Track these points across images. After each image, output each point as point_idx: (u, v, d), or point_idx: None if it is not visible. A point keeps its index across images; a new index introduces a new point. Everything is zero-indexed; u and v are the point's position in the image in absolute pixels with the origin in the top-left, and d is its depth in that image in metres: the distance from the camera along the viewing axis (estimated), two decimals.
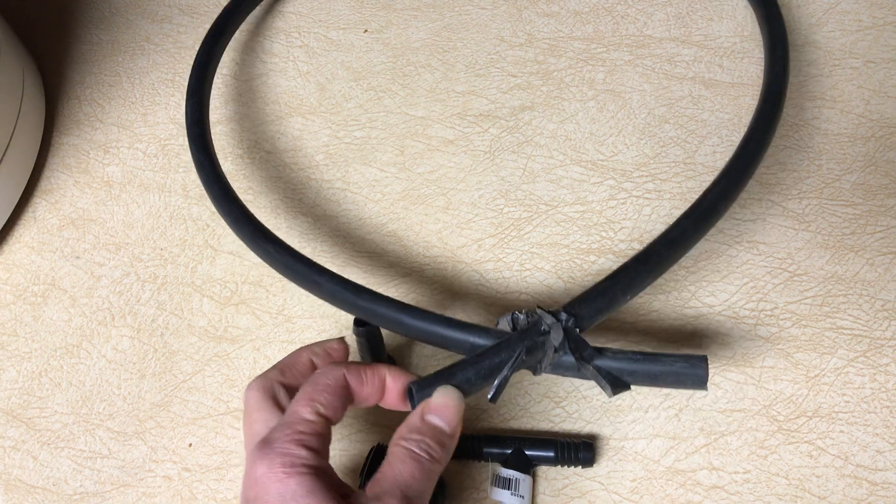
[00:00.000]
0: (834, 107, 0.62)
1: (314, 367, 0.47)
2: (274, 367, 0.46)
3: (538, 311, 0.47)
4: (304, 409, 0.41)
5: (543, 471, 0.50)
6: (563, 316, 0.47)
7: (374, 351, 0.52)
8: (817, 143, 0.61)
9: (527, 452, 0.50)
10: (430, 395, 0.44)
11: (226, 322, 0.60)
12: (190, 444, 0.55)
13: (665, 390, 0.52)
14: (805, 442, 0.49)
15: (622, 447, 0.50)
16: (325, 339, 0.56)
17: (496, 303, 0.57)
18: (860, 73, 0.63)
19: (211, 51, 0.70)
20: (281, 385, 0.44)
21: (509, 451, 0.50)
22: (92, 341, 0.61)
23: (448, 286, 0.59)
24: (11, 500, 0.54)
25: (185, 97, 0.73)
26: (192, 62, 0.68)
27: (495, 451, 0.50)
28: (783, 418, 0.50)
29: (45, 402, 0.58)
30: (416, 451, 0.40)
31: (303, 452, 0.39)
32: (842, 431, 0.49)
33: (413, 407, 0.44)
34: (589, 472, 0.50)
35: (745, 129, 0.61)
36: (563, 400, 0.52)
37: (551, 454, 0.49)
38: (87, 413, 0.57)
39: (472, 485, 0.50)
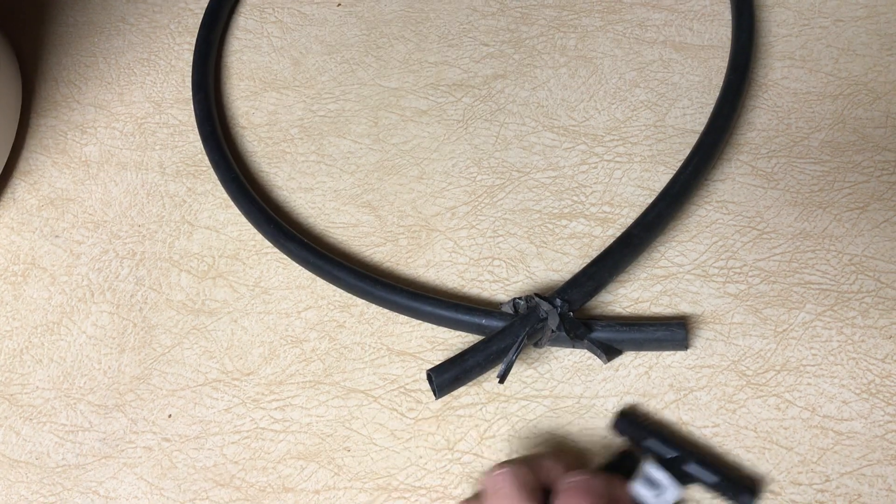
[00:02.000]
0: (803, 66, 0.62)
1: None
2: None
3: (536, 298, 0.51)
4: None
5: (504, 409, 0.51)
6: (558, 302, 0.51)
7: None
8: (786, 103, 0.61)
9: (689, 466, 0.46)
10: (447, 380, 0.49)
11: (203, 295, 0.60)
12: (170, 415, 0.56)
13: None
14: (773, 395, 0.50)
15: (593, 405, 0.51)
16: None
17: (470, 269, 0.58)
18: (829, 33, 0.63)
19: (208, 38, 0.71)
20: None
21: (669, 455, 0.47)
22: (72, 318, 0.61)
23: (422, 254, 0.59)
24: None
25: (161, 77, 0.73)
26: (167, 41, 0.68)
27: (656, 449, 0.47)
28: (752, 373, 0.50)
29: (26, 378, 0.59)
30: None
31: None
32: (809, 384, 0.50)
33: (432, 388, 0.49)
34: (561, 429, 0.51)
35: (716, 91, 0.62)
36: (535, 361, 0.53)
37: (713, 479, 0.46)
38: (69, 388, 0.58)
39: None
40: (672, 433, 0.49)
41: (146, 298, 0.61)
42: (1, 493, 0.54)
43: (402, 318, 0.57)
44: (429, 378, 0.50)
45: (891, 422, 0.47)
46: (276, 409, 0.55)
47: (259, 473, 0.52)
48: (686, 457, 0.47)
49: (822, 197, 0.56)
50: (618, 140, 0.62)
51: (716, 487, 0.46)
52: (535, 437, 0.50)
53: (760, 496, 0.47)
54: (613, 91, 0.64)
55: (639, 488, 0.46)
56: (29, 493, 0.54)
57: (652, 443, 0.48)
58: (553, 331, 0.51)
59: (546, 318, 0.50)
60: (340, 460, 0.52)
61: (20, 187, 0.70)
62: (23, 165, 0.71)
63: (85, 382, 0.58)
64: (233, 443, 0.54)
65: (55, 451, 0.56)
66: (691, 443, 0.49)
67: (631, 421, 0.49)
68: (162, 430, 0.55)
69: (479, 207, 0.61)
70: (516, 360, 0.51)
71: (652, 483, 0.45)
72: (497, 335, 0.50)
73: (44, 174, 0.70)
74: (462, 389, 0.53)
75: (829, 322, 0.51)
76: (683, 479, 0.46)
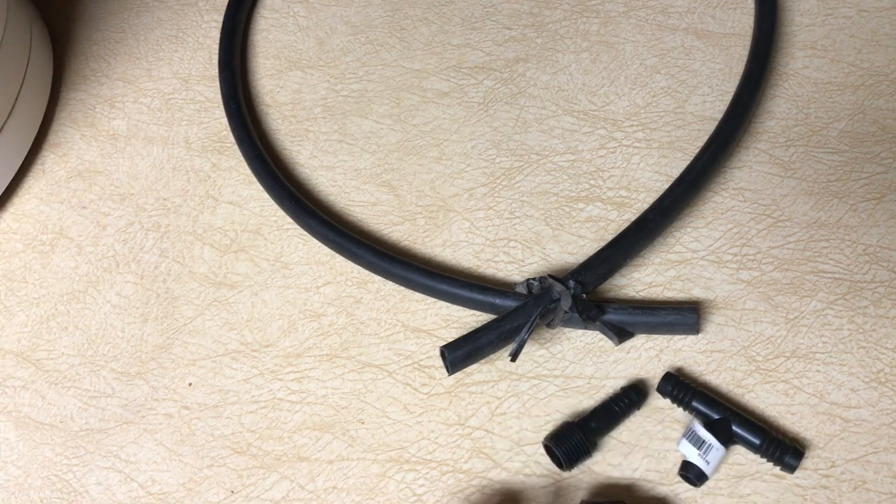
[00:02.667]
0: (825, 56, 0.62)
1: None
2: None
3: (549, 279, 0.52)
4: None
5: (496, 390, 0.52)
6: (572, 283, 0.52)
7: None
8: (807, 93, 0.61)
9: (734, 428, 0.47)
10: (460, 357, 0.50)
11: (225, 268, 0.62)
12: (190, 384, 0.57)
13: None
14: (782, 381, 0.50)
15: (603, 385, 0.52)
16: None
17: (486, 249, 0.59)
18: (853, 23, 0.63)
19: (235, 17, 0.72)
20: None
21: (716, 417, 0.48)
22: (97, 287, 0.63)
23: (439, 234, 0.60)
24: (22, 436, 0.57)
25: (189, 53, 0.75)
26: (196, 19, 0.69)
27: (703, 409, 0.48)
28: (761, 358, 0.51)
29: (52, 344, 0.61)
30: None
31: None
32: (818, 371, 0.50)
33: (444, 365, 0.50)
34: (570, 408, 0.51)
35: (736, 79, 0.62)
36: (547, 342, 0.54)
37: (757, 441, 0.47)
38: (93, 355, 0.60)
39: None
40: (718, 395, 0.50)
41: (170, 270, 0.63)
42: (26, 454, 0.56)
43: (418, 295, 0.58)
44: (442, 355, 0.51)
45: None
46: (293, 380, 0.56)
47: (275, 442, 0.54)
48: (732, 419, 0.48)
49: (839, 187, 0.56)
50: (637, 125, 0.62)
51: (760, 449, 0.47)
52: (545, 415, 0.51)
53: (804, 459, 0.47)
54: (634, 77, 0.65)
55: (685, 445, 0.47)
56: (53, 454, 0.56)
57: (698, 403, 0.49)
58: (565, 312, 0.51)
59: (559, 299, 0.51)
60: (354, 432, 0.53)
61: (49, 159, 0.71)
62: (52, 138, 0.73)
63: (109, 350, 0.60)
64: (250, 412, 0.55)
65: (79, 415, 0.57)
66: (738, 405, 0.49)
67: (676, 382, 0.49)
68: (182, 398, 0.57)
69: (496, 189, 0.61)
70: (528, 340, 0.52)
71: (698, 441, 0.47)
72: (510, 314, 0.51)
73: (72, 147, 0.72)
74: (475, 367, 0.54)
75: (840, 311, 0.52)
76: (728, 439, 0.47)
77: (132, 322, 0.61)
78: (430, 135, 0.65)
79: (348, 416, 0.54)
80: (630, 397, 0.50)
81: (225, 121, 0.69)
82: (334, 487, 0.51)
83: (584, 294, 0.52)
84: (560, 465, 0.49)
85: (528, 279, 0.53)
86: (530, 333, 0.51)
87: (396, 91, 0.68)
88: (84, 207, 0.68)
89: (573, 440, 0.48)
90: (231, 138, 0.68)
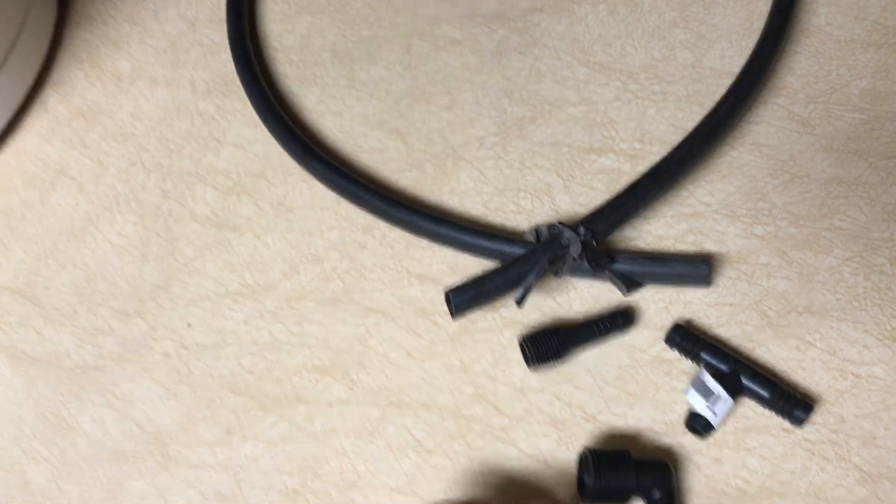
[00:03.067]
0: (849, 13, 0.61)
1: None
2: None
3: (559, 226, 0.51)
4: None
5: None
6: (581, 230, 0.51)
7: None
8: (828, 49, 0.59)
9: (743, 380, 0.47)
10: (466, 300, 0.49)
11: (228, 210, 0.61)
12: (189, 324, 0.56)
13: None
14: (794, 336, 0.49)
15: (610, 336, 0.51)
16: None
17: (494, 198, 0.58)
18: None
19: None
20: None
21: (725, 369, 0.47)
22: (97, 226, 0.62)
23: (448, 182, 0.59)
24: (17, 371, 0.56)
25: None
26: None
27: (712, 360, 0.48)
28: (773, 313, 0.50)
29: (50, 281, 0.60)
30: None
31: None
32: (831, 327, 0.49)
33: (449, 309, 0.49)
34: (575, 358, 0.50)
35: (756, 35, 0.60)
36: (554, 291, 0.53)
37: (765, 395, 0.46)
38: (91, 293, 0.59)
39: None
40: (728, 348, 0.49)
41: (171, 211, 0.61)
42: (21, 389, 0.55)
43: (424, 242, 0.57)
44: (447, 298, 0.50)
45: None
46: (294, 323, 0.55)
47: (274, 384, 0.53)
48: (741, 371, 0.47)
49: (859, 144, 0.55)
50: (653, 78, 0.61)
51: (769, 402, 0.46)
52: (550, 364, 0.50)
53: (813, 412, 0.46)
54: (652, 30, 0.63)
55: (692, 395, 0.46)
56: (48, 390, 0.55)
57: (707, 355, 0.48)
58: (574, 259, 0.50)
59: (568, 246, 0.50)
60: (355, 375, 0.52)
61: (52, 97, 0.70)
62: (55, 77, 0.71)
63: (107, 288, 0.59)
64: (250, 354, 0.54)
65: (75, 352, 0.56)
66: (747, 359, 0.48)
67: (685, 333, 0.48)
68: (180, 337, 0.56)
69: (507, 139, 0.60)
70: (535, 288, 0.51)
71: (706, 392, 0.46)
72: (518, 260, 0.50)
73: (76, 86, 0.70)
74: (479, 314, 0.53)
75: (856, 268, 0.51)
76: (737, 392, 0.46)
77: (131, 261, 0.60)
78: (441, 83, 0.64)
79: (349, 359, 0.53)
80: (616, 321, 0.50)
81: (231, 64, 0.68)
82: (333, 430, 0.51)
83: (594, 242, 0.51)
84: (528, 362, 0.49)
85: (537, 226, 0.52)
86: (538, 280, 0.49)
87: (407, 38, 0.67)
88: (86, 147, 0.66)
89: (547, 343, 0.49)
90: (237, 81, 0.67)
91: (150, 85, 0.69)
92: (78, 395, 0.55)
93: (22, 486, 0.52)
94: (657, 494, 0.44)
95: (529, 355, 0.49)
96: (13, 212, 0.64)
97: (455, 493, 0.48)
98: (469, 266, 0.55)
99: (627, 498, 0.44)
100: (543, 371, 0.50)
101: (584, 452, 0.46)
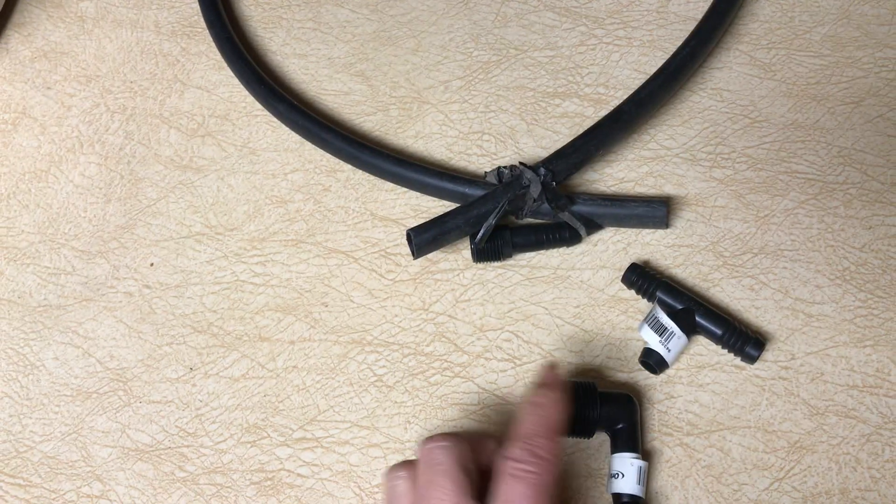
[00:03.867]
0: None
1: None
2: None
3: (519, 166, 0.51)
4: None
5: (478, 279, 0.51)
6: (542, 171, 0.51)
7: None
8: None
9: (697, 318, 0.47)
10: (426, 239, 0.49)
11: (191, 152, 0.60)
12: (152, 264, 0.56)
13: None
14: (748, 276, 0.50)
15: (568, 276, 0.51)
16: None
17: (459, 142, 0.58)
18: None
19: None
20: None
21: (679, 307, 0.48)
22: (60, 167, 0.61)
23: (412, 125, 0.59)
24: None
25: None
26: None
27: (667, 299, 0.48)
28: (729, 254, 0.51)
29: (12, 221, 0.59)
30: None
31: None
32: (785, 268, 0.50)
33: (411, 248, 0.49)
34: (534, 297, 0.51)
35: None
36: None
37: (718, 332, 0.47)
38: (53, 233, 0.59)
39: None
40: (682, 287, 0.50)
41: (134, 152, 0.61)
42: None
43: (388, 185, 0.57)
44: (408, 238, 0.50)
45: (861, 307, 0.48)
46: (257, 263, 0.55)
47: (237, 323, 0.53)
48: (696, 309, 0.47)
49: (818, 90, 0.55)
50: (618, 24, 0.61)
51: (722, 340, 0.47)
52: (509, 303, 0.51)
53: (764, 350, 0.47)
54: None
55: (646, 331, 0.47)
56: (10, 329, 0.55)
57: (662, 294, 0.48)
58: (534, 200, 0.51)
59: (528, 187, 0.51)
60: (317, 314, 0.53)
61: (14, 38, 0.69)
62: (17, 17, 0.70)
63: (70, 229, 0.59)
64: (212, 293, 0.54)
65: (37, 291, 0.56)
66: (701, 297, 0.49)
67: (642, 273, 0.49)
68: (143, 277, 0.56)
69: (472, 83, 0.60)
70: (493, 226, 0.51)
71: (659, 328, 0.46)
72: (479, 200, 0.51)
73: (38, 27, 0.69)
74: (441, 255, 0.53)
75: (811, 210, 0.51)
76: (691, 329, 0.47)
77: (95, 202, 0.59)
78: (407, 26, 0.64)
79: (312, 299, 0.53)
80: (563, 235, 0.51)
81: (196, 6, 0.67)
82: (294, 367, 0.51)
83: (554, 183, 0.51)
84: (473, 257, 0.52)
85: (499, 167, 0.53)
86: (497, 219, 0.50)
87: None
88: (49, 88, 0.66)
89: (494, 243, 0.51)
90: (201, 23, 0.66)
91: (114, 27, 0.68)
92: (41, 334, 0.55)
93: None
94: (620, 426, 0.45)
95: (474, 253, 0.51)
96: None
97: (415, 427, 0.48)
98: (433, 209, 0.55)
99: (592, 430, 0.45)
100: (487, 265, 0.52)
101: None
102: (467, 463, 0.38)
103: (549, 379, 0.41)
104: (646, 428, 0.46)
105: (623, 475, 0.44)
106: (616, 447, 0.45)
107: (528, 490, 0.36)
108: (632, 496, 0.44)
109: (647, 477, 0.45)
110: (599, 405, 0.44)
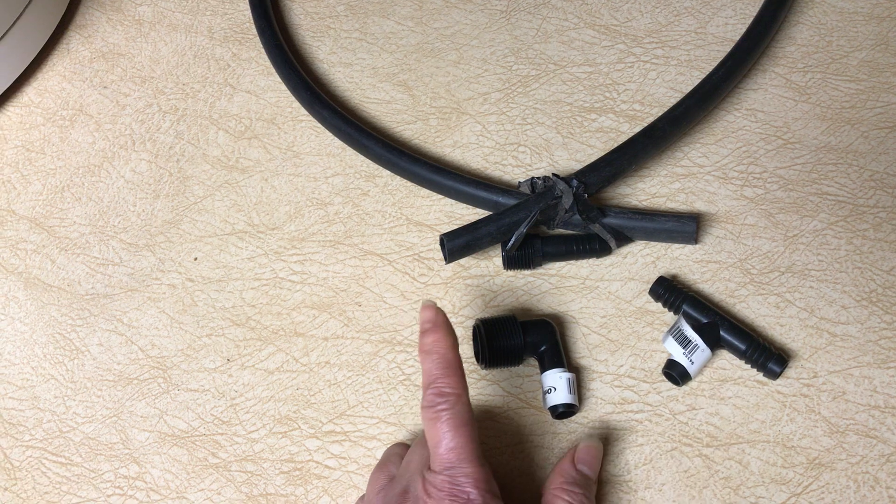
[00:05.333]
0: None
1: None
2: None
3: (553, 177, 0.52)
4: None
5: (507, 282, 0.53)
6: (574, 183, 0.52)
7: None
8: (831, 21, 0.60)
9: (721, 332, 0.48)
10: (458, 245, 0.51)
11: (238, 153, 0.63)
12: (195, 258, 0.59)
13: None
14: (774, 294, 0.51)
15: (596, 287, 0.53)
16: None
17: (495, 152, 0.59)
18: None
19: None
20: None
21: (705, 321, 0.49)
22: (112, 163, 0.64)
23: (451, 135, 0.61)
24: (30, 296, 0.59)
25: None
26: None
27: (692, 312, 0.49)
28: (756, 272, 0.52)
29: (65, 213, 0.62)
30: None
31: None
32: (811, 287, 0.51)
33: (443, 253, 0.51)
34: (562, 306, 0.52)
35: (761, 2, 0.61)
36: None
37: (742, 347, 0.48)
38: (103, 226, 0.61)
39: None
40: (709, 302, 0.51)
41: (184, 151, 0.64)
42: (33, 313, 0.58)
43: (424, 191, 0.59)
44: (441, 243, 0.52)
45: (886, 329, 0.48)
46: (295, 262, 0.57)
47: (273, 318, 0.55)
48: (720, 323, 0.48)
49: (853, 114, 0.56)
50: (657, 43, 0.62)
51: (745, 355, 0.48)
52: (537, 311, 0.52)
53: (787, 366, 0.48)
54: None
55: (670, 343, 0.48)
56: (59, 314, 0.58)
57: (688, 307, 0.49)
58: (566, 211, 0.52)
59: (560, 198, 0.52)
60: (351, 313, 0.54)
61: (74, 39, 0.72)
62: (79, 19, 0.74)
63: (119, 222, 0.61)
64: (252, 288, 0.57)
65: (86, 280, 0.59)
66: (727, 312, 0.50)
67: (669, 286, 0.50)
68: (187, 270, 0.58)
69: (511, 95, 0.62)
70: (524, 235, 0.52)
71: (683, 340, 0.48)
72: (511, 209, 0.52)
73: (98, 29, 0.72)
74: (472, 261, 0.55)
75: (839, 232, 0.52)
76: (715, 343, 0.48)
77: (144, 197, 0.62)
78: (450, 39, 0.65)
79: (346, 298, 0.55)
80: (593, 246, 0.52)
81: (248, 13, 0.70)
82: (327, 362, 0.53)
83: (586, 195, 0.52)
84: (503, 264, 0.53)
85: (532, 178, 0.54)
86: (528, 228, 0.51)
87: None
88: (105, 87, 0.69)
89: (525, 252, 0.52)
90: (253, 30, 0.69)
91: (169, 30, 0.71)
92: (87, 321, 0.57)
93: (31, 400, 0.54)
94: (543, 348, 0.49)
95: (504, 261, 0.53)
96: (33, 146, 0.66)
97: None
98: (466, 217, 0.57)
99: (520, 358, 0.49)
100: (517, 273, 0.54)
101: (476, 324, 0.50)
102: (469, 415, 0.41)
103: (428, 321, 0.44)
104: (665, 438, 0.47)
105: (555, 389, 0.48)
106: (544, 367, 0.49)
107: (445, 426, 0.40)
108: (565, 405, 0.47)
109: (577, 386, 0.49)
110: (521, 334, 0.49)
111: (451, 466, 0.39)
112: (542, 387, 0.49)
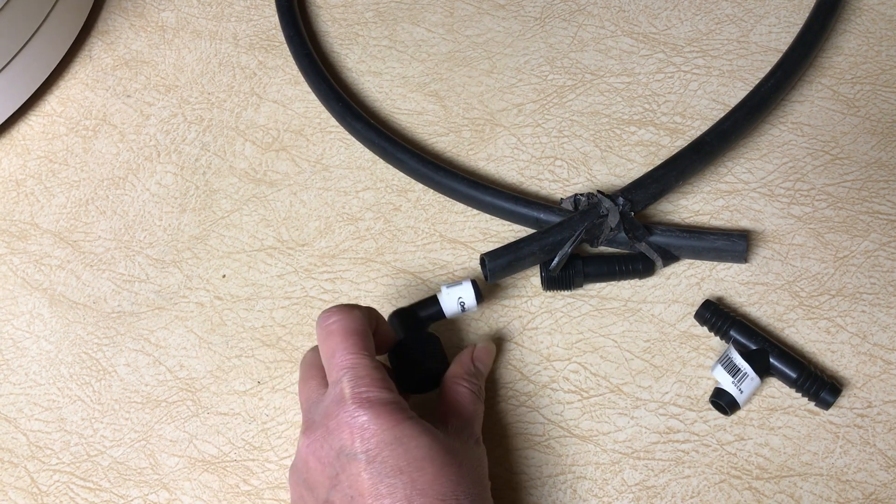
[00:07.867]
0: None
1: None
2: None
3: (597, 195, 0.51)
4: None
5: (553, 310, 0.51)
6: (621, 200, 0.51)
7: None
8: (880, 30, 0.58)
9: (771, 359, 0.47)
10: (501, 265, 0.49)
11: (266, 166, 0.61)
12: (224, 276, 0.57)
13: (689, 260, 0.52)
14: (824, 318, 0.49)
15: (639, 309, 0.51)
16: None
17: (531, 166, 0.58)
18: None
19: None
20: None
21: (754, 347, 0.47)
22: (137, 175, 0.63)
23: (484, 147, 0.59)
24: (55, 313, 0.58)
25: None
26: None
27: (740, 338, 0.47)
28: (805, 294, 0.50)
29: (90, 227, 0.61)
30: (476, 392, 0.46)
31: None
32: (863, 311, 0.49)
33: (484, 273, 0.50)
34: (603, 329, 0.51)
35: (806, 11, 0.59)
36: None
37: (793, 375, 0.46)
38: (129, 240, 0.60)
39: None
40: (758, 327, 0.49)
41: (210, 163, 0.62)
42: (58, 331, 0.57)
43: (458, 207, 0.57)
44: (482, 262, 0.50)
45: None
46: (326, 280, 0.56)
47: (305, 338, 0.54)
48: (770, 350, 0.47)
49: None
50: (698, 52, 0.60)
51: (797, 383, 0.46)
52: (577, 334, 0.51)
53: (840, 396, 0.46)
54: (699, 2, 0.62)
55: (719, 372, 0.46)
56: (84, 333, 0.56)
57: (736, 332, 0.48)
58: (612, 229, 0.50)
59: (606, 216, 0.50)
60: None
61: (97, 46, 0.71)
62: (101, 25, 0.72)
63: (145, 237, 0.60)
64: (282, 307, 0.55)
65: (112, 297, 0.58)
66: (777, 339, 0.48)
67: (716, 310, 0.48)
68: (215, 288, 0.57)
69: (546, 106, 0.60)
70: (569, 254, 0.51)
71: (733, 369, 0.46)
72: (555, 227, 0.50)
73: (120, 35, 0.71)
74: (509, 281, 0.53)
75: (893, 253, 0.50)
76: (764, 371, 0.46)
77: (170, 211, 0.61)
78: (482, 47, 0.64)
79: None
80: (636, 266, 0.51)
81: (274, 19, 0.68)
82: None
83: (632, 213, 0.51)
84: (542, 285, 0.52)
85: (575, 194, 0.52)
86: (573, 248, 0.50)
87: (451, 0, 0.66)
88: (129, 96, 0.67)
89: (566, 272, 0.51)
90: (280, 37, 0.67)
91: (193, 37, 0.69)
92: (113, 340, 0.56)
93: (58, 422, 0.53)
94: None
95: (544, 282, 0.51)
96: (56, 157, 0.65)
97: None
98: (501, 233, 0.55)
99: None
100: (556, 293, 0.52)
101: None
102: (359, 327, 0.43)
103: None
104: (713, 469, 0.46)
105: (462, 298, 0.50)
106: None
107: (331, 341, 0.42)
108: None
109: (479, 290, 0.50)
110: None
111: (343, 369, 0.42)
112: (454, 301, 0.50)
